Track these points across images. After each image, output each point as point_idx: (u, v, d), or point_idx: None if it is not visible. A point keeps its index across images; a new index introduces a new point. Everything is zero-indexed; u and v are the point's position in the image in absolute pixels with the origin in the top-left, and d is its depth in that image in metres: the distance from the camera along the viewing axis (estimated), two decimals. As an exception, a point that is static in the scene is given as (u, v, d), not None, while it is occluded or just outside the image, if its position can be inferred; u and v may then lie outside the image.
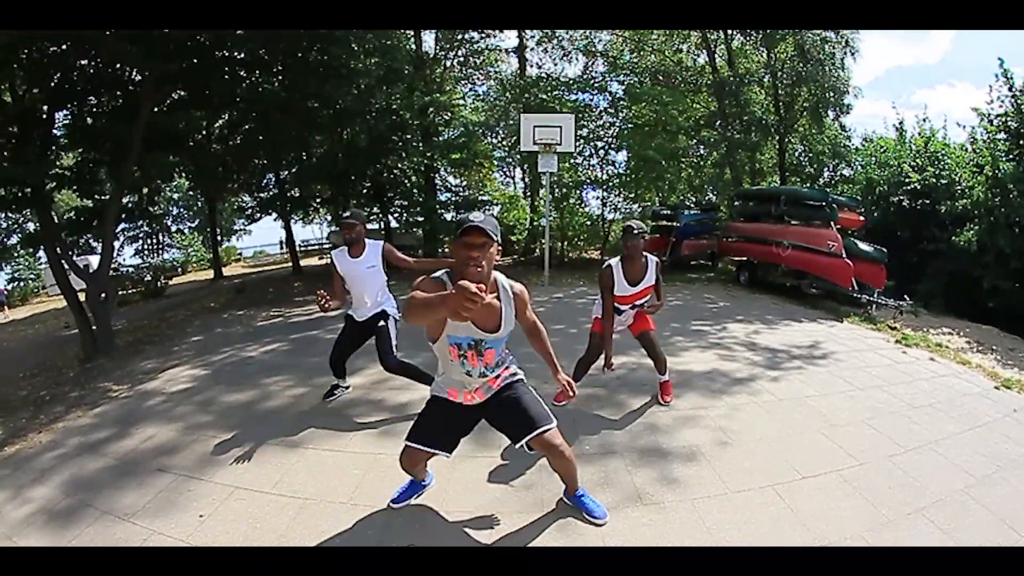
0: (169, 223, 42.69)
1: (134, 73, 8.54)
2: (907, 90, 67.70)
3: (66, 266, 8.22)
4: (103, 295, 8.32)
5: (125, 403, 4.85)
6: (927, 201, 12.40)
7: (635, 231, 3.85)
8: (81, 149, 9.73)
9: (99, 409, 4.75)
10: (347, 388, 4.74)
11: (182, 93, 10.12)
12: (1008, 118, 10.72)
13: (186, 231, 41.34)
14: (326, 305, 3.68)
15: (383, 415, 4.17)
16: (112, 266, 26.24)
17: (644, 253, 3.98)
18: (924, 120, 14.08)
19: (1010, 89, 10.67)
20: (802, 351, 5.97)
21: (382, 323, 4.24)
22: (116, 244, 40.36)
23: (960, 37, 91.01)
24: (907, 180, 12.91)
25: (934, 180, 12.57)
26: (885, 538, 2.62)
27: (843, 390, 4.67)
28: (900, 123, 15.22)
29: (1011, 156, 10.56)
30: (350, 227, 4.13)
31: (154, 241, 44.07)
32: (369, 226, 21.46)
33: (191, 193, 29.94)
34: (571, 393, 2.66)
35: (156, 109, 8.98)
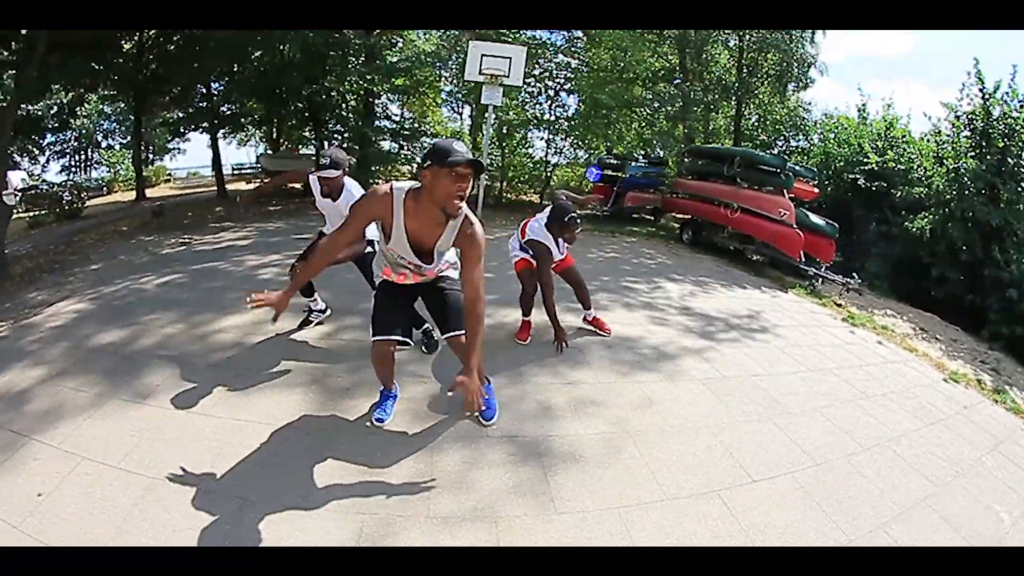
0: (100, 138, 39.24)
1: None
2: (864, 80, 69.32)
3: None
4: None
5: (1, 342, 4.15)
6: (884, 184, 12.47)
7: (578, 220, 3.84)
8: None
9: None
10: (325, 312, 4.29)
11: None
12: (975, 117, 10.67)
13: (116, 148, 37.97)
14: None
15: (257, 366, 3.59)
16: (30, 183, 23.93)
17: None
18: (889, 107, 13.97)
19: (981, 90, 10.57)
20: (740, 320, 5.62)
21: (369, 249, 3.81)
22: (42, 159, 36.98)
23: (926, 37, 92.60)
24: (865, 160, 12.90)
25: (893, 164, 12.63)
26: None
27: (793, 370, 4.37)
28: (863, 105, 15.04)
29: (973, 153, 10.61)
30: (328, 180, 3.55)
31: (82, 157, 40.38)
32: (302, 151, 19.95)
33: (123, 106, 27.31)
34: (473, 404, 2.12)
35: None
